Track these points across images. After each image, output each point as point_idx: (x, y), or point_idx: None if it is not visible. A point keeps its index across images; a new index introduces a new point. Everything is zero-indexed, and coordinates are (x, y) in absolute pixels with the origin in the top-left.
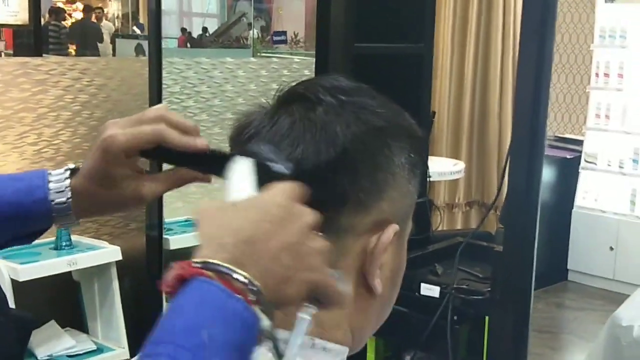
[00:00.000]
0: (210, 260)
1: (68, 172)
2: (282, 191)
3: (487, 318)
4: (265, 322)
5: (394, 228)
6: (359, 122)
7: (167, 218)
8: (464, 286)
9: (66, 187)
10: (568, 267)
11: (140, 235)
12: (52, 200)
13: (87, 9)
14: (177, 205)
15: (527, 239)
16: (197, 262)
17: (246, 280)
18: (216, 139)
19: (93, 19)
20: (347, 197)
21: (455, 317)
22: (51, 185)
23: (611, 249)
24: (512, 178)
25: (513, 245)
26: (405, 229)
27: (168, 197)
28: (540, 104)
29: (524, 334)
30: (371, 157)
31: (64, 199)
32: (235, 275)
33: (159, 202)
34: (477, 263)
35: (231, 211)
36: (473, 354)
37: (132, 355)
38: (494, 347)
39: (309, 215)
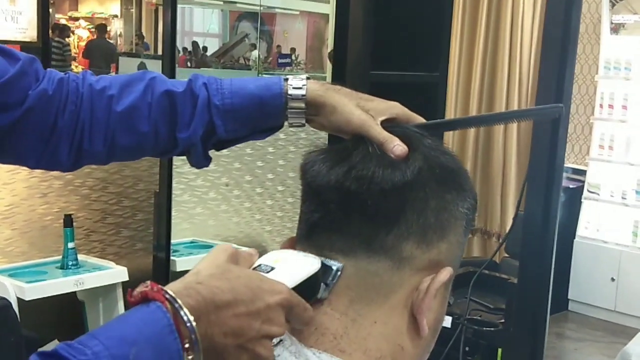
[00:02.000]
0: (178, 301)
1: (305, 77)
2: (279, 294)
3: (499, 350)
4: None
5: (449, 271)
6: (434, 158)
7: (173, 239)
8: (477, 317)
9: (303, 85)
10: (569, 297)
11: (146, 256)
12: (290, 95)
13: (102, 29)
14: (183, 226)
15: (543, 270)
16: (167, 292)
17: (193, 334)
18: (224, 160)
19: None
20: (412, 227)
21: (467, 348)
22: (289, 82)
23: (612, 280)
24: (529, 209)
25: (528, 276)
26: (451, 281)
27: (174, 219)
28: (559, 135)
29: None
30: (441, 194)
31: (299, 94)
32: (187, 324)
33: (166, 223)
34: (486, 293)
35: (234, 274)
36: None
37: None
38: None
39: (278, 328)
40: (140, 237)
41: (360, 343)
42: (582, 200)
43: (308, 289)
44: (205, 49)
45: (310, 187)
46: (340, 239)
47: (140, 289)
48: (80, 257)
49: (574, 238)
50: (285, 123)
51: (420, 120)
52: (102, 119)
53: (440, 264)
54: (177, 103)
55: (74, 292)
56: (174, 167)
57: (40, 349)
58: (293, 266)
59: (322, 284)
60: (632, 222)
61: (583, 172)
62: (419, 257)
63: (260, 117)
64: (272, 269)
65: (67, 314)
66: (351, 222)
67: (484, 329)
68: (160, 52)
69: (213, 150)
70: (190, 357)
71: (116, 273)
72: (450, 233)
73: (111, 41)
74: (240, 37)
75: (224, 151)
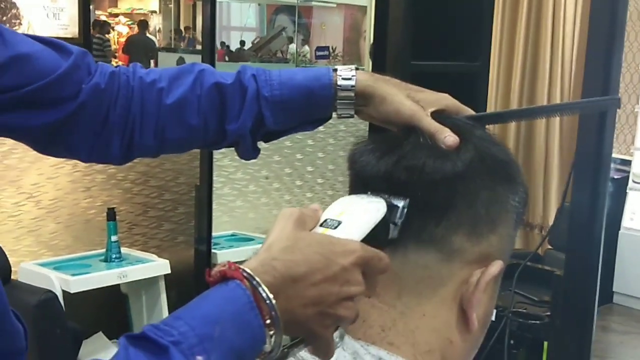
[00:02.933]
0: (256, 278)
1: (354, 67)
2: (352, 254)
3: (545, 343)
4: (267, 347)
5: (499, 264)
6: (486, 149)
7: (215, 232)
8: (522, 310)
9: (352, 76)
10: (614, 289)
11: (187, 249)
12: (339, 86)
13: (143, 24)
14: (223, 219)
15: (591, 263)
16: (244, 271)
17: (273, 311)
18: (264, 153)
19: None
20: (462, 219)
21: (512, 342)
22: (338, 73)
23: None
24: (575, 200)
25: (575, 269)
26: (501, 275)
27: (214, 212)
28: (607, 124)
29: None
30: (492, 186)
31: (349, 84)
32: (267, 301)
33: (207, 216)
34: (530, 285)
35: (305, 243)
36: None
37: None
38: None
39: (357, 287)
40: (182, 230)
41: (409, 336)
42: (628, 191)
43: (379, 234)
44: (242, 42)
45: (359, 178)
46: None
47: (218, 268)
48: (123, 250)
49: (619, 229)
50: (334, 114)
51: (470, 112)
52: (153, 112)
53: (490, 257)
54: (226, 95)
55: (118, 285)
56: (214, 160)
57: (84, 340)
58: (360, 216)
59: (390, 224)
60: None
61: (628, 163)
62: (469, 249)
63: (309, 108)
64: (339, 223)
65: (110, 306)
66: None
67: (530, 322)
68: (198, 46)
69: (261, 142)
70: (272, 332)
71: (158, 266)
72: (500, 226)
73: (150, 37)
74: (277, 30)
75: (263, 144)
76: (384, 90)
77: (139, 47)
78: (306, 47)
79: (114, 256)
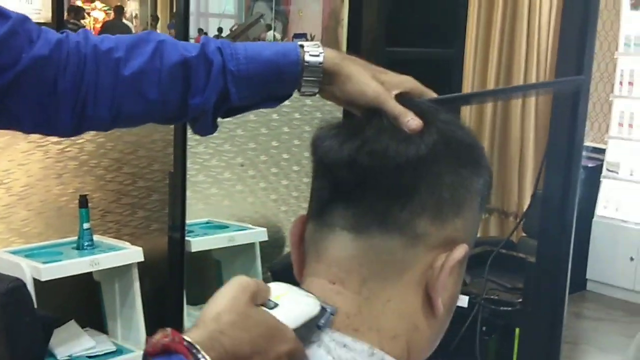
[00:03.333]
0: (201, 353)
1: (319, 43)
2: (288, 344)
3: (517, 330)
4: None
5: (464, 248)
6: (450, 132)
7: (188, 220)
8: (494, 296)
9: (320, 53)
10: (587, 276)
11: (161, 237)
12: (307, 62)
13: (119, 10)
14: (198, 207)
15: (562, 249)
16: (189, 344)
17: None
18: (239, 140)
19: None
20: (427, 203)
21: (484, 328)
22: (306, 49)
23: (631, 259)
24: (548, 187)
25: (546, 255)
26: (466, 259)
27: (189, 199)
28: (579, 111)
29: (556, 346)
30: (456, 169)
31: (317, 61)
32: None
33: (181, 203)
34: (503, 272)
35: (253, 322)
36: None
37: None
38: (524, 359)
39: None
40: (156, 217)
41: (374, 322)
42: (601, 179)
43: (305, 331)
44: (220, 29)
45: (322, 163)
46: (353, 215)
47: (159, 337)
48: (96, 237)
49: (593, 217)
50: (296, 91)
51: (433, 95)
52: (109, 83)
53: (455, 241)
54: (191, 70)
55: (90, 273)
56: (188, 147)
57: (56, 329)
58: (295, 307)
59: (315, 326)
60: None
61: (602, 151)
62: (434, 233)
63: (275, 84)
64: (276, 305)
65: (83, 294)
66: (364, 198)
67: (501, 308)
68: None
69: (230, 121)
70: None
71: (132, 253)
72: (465, 209)
73: (127, 22)
74: (255, 17)
75: (239, 131)
76: (350, 69)
77: (115, 33)
78: (277, 35)
79: (86, 244)
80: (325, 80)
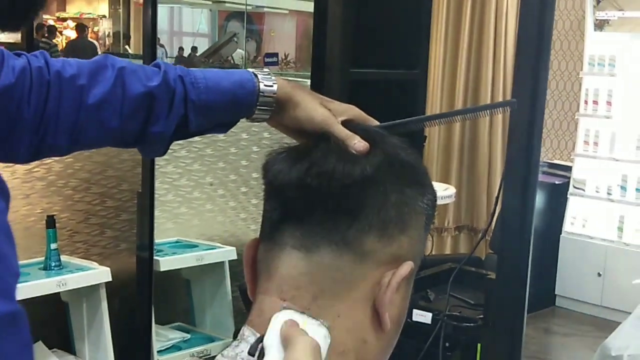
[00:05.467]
0: None
1: (268, 71)
2: (305, 354)
3: (479, 345)
4: None
5: (409, 265)
6: (394, 154)
7: (157, 239)
8: (456, 313)
9: (274, 83)
10: (556, 292)
11: (130, 256)
12: (262, 92)
13: (81, 28)
14: (167, 226)
15: (520, 265)
16: None
17: None
18: (208, 159)
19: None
20: (373, 221)
21: (447, 344)
22: (260, 79)
23: (599, 275)
24: (506, 204)
25: (506, 271)
26: (413, 275)
27: (158, 219)
28: (535, 130)
29: None
30: (401, 188)
31: (271, 91)
32: None
33: (149, 223)
34: (468, 289)
35: None
36: None
37: None
38: None
39: None
40: (124, 237)
41: None
42: (568, 196)
43: None
44: (194, 49)
45: (272, 186)
46: (303, 235)
47: None
48: (64, 257)
49: (561, 234)
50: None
51: (375, 122)
52: (72, 111)
53: (401, 258)
54: (154, 100)
55: (58, 293)
56: (157, 167)
57: None
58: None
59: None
60: (618, 217)
61: (569, 168)
62: (381, 250)
63: (232, 112)
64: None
65: (50, 315)
66: (313, 218)
67: (464, 324)
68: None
69: (200, 141)
70: None
71: (99, 273)
72: (410, 227)
73: (93, 41)
74: (228, 36)
75: (208, 150)
76: (300, 97)
77: (79, 52)
78: (250, 54)
79: (53, 264)
80: (276, 108)
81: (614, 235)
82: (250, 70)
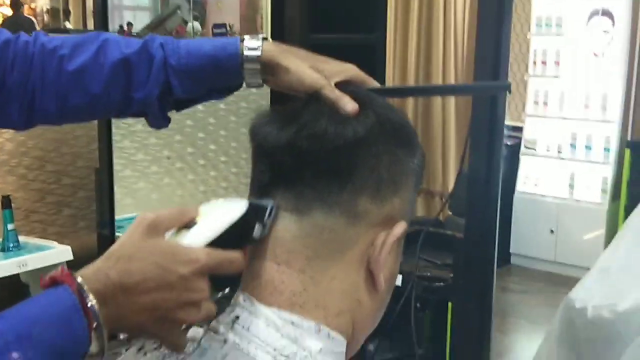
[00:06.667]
0: (85, 287)
1: (261, 37)
2: (194, 264)
3: (450, 304)
4: (93, 348)
5: (403, 225)
6: (385, 115)
7: (117, 215)
8: (426, 274)
9: (258, 47)
10: (511, 251)
11: (90, 234)
12: (245, 56)
13: (17, 4)
14: (126, 202)
15: (489, 224)
16: (75, 277)
17: (96, 321)
18: (164, 133)
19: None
20: (366, 182)
21: (418, 305)
22: (245, 43)
23: (551, 231)
24: (473, 166)
25: (475, 231)
26: (405, 235)
27: (117, 194)
28: (498, 99)
29: (487, 317)
30: (393, 149)
31: (254, 55)
32: (90, 306)
33: (109, 199)
34: (434, 250)
35: (147, 252)
36: (437, 340)
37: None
38: (457, 331)
39: (198, 294)
40: (83, 215)
41: (320, 299)
42: (520, 156)
43: (237, 234)
44: (130, 24)
45: (261, 149)
46: (295, 197)
47: (51, 273)
48: (21, 238)
49: (514, 193)
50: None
51: (375, 83)
52: (53, 78)
53: (393, 219)
54: (132, 65)
55: (17, 275)
56: (114, 142)
57: None
58: (215, 217)
59: (257, 224)
60: (569, 175)
61: (520, 129)
62: (374, 212)
63: (216, 77)
64: (195, 224)
65: (11, 297)
66: (305, 180)
67: (434, 284)
68: (89, 26)
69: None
70: (96, 336)
71: (60, 252)
72: (402, 188)
73: (30, 17)
74: (171, 9)
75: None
76: (289, 61)
77: (16, 28)
78: (197, 25)
79: (11, 245)
80: (268, 72)
81: (565, 193)
82: (245, 36)
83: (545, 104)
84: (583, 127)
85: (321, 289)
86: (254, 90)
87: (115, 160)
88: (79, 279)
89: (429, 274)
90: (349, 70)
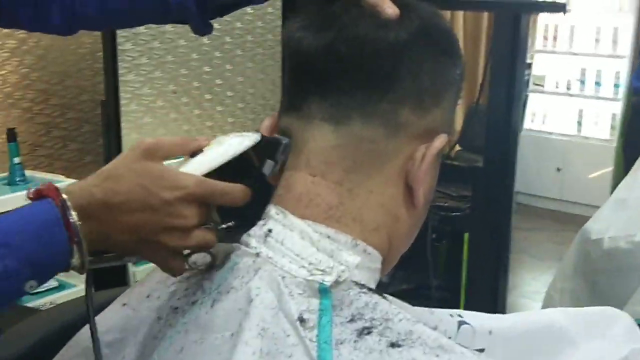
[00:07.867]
0: (68, 202)
1: None
2: (180, 190)
3: (466, 235)
4: (74, 261)
5: (444, 137)
6: (431, 20)
7: (124, 150)
8: (443, 204)
9: None
10: (516, 189)
11: (97, 168)
12: None
13: None
14: (132, 136)
15: (509, 153)
16: (62, 191)
17: (76, 236)
18: (170, 66)
19: None
20: (408, 91)
21: (434, 235)
22: None
23: (558, 170)
24: (493, 98)
25: (494, 162)
26: (444, 150)
27: (123, 130)
28: (521, 21)
29: (504, 248)
30: (436, 56)
31: None
32: (74, 223)
33: (116, 132)
34: (447, 183)
35: (135, 174)
36: (452, 271)
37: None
38: (473, 262)
39: (182, 220)
40: (89, 149)
41: (357, 213)
42: (528, 93)
43: (243, 167)
44: None
45: (297, 54)
46: (332, 105)
47: (38, 187)
48: (27, 172)
49: (520, 131)
50: None
51: None
52: None
53: (434, 131)
54: None
55: None
56: (119, 75)
57: None
58: (222, 149)
59: (267, 159)
60: (577, 111)
61: (529, 65)
62: (415, 123)
63: None
64: (200, 153)
65: None
66: (343, 87)
67: (451, 214)
68: None
69: (148, 63)
70: (77, 250)
71: None
72: (444, 99)
73: None
74: None
75: (169, 57)
76: None
77: None
78: None
79: (18, 179)
80: None
81: (573, 130)
82: None
83: (554, 38)
84: (592, 62)
85: (358, 202)
86: (260, 23)
87: (120, 95)
88: (64, 195)
89: (445, 204)
90: None
